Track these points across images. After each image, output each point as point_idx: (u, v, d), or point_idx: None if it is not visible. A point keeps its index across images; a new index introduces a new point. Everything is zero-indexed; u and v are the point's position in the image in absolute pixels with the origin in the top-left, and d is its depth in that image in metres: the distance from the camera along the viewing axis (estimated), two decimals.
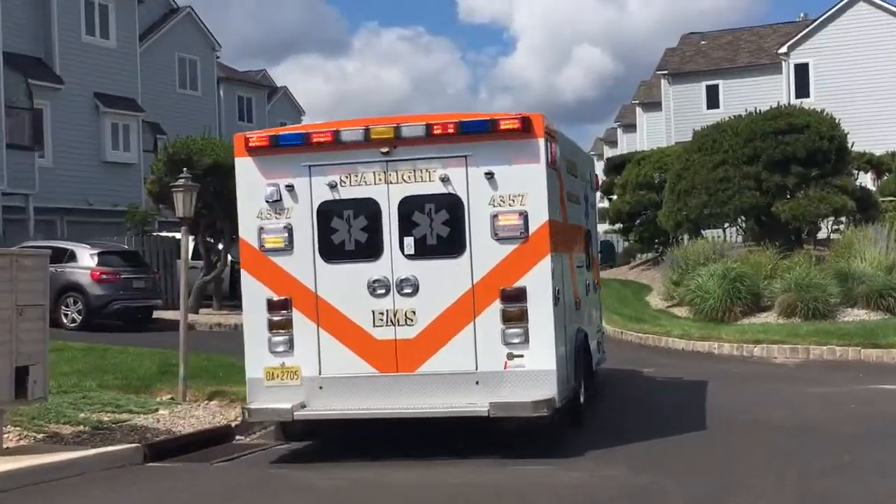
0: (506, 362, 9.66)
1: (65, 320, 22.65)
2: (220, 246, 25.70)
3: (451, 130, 9.83)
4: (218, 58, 48.27)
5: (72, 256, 23.18)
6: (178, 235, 23.12)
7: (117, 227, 32.69)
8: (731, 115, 27.58)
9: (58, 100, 35.36)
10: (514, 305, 9.67)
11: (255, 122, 52.88)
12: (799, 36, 44.62)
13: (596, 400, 12.31)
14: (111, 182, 37.18)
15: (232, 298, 28.49)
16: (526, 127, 9.73)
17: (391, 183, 9.97)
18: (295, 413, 9.81)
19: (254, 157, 10.16)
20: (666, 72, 50.07)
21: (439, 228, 9.91)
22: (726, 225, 30.14)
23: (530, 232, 9.70)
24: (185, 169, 14.05)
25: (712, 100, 48.29)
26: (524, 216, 9.71)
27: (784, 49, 44.70)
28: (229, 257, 26.55)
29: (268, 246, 10.11)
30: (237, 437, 11.36)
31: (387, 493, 8.73)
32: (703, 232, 28.22)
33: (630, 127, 64.59)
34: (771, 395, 13.32)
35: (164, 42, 44.09)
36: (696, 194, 25.05)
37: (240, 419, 11.58)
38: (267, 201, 10.11)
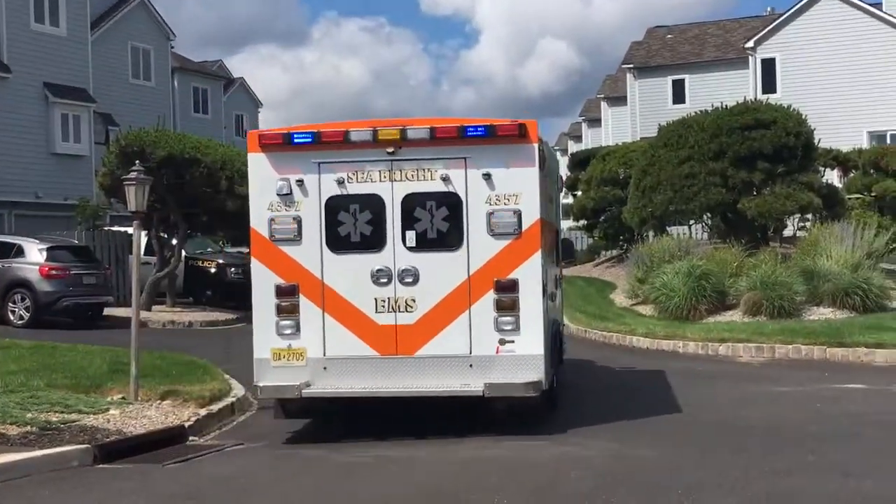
0: (498, 347, 10.74)
1: (12, 317, 22.41)
2: (174, 241, 25.56)
3: (453, 134, 10.86)
4: (172, 47, 47.91)
5: (19, 251, 22.94)
6: (130, 230, 22.94)
7: (67, 221, 32.39)
8: (698, 110, 27.80)
9: (5, 89, 34.96)
10: (507, 296, 10.76)
11: (210, 113, 52.60)
12: (766, 30, 45.03)
13: (562, 388, 13.04)
14: (61, 175, 36.81)
15: (186, 295, 28.39)
16: (522, 133, 10.84)
17: (395, 181, 10.99)
18: (302, 391, 10.79)
19: (266, 153, 11.15)
20: (632, 66, 50.34)
21: (439, 224, 10.96)
22: (692, 222, 30.37)
23: (523, 229, 10.80)
24: (137, 161, 13.96)
25: (678, 94, 48.62)
26: (518, 214, 10.81)
27: (751, 43, 45.09)
28: (183, 253, 26.40)
29: (277, 236, 11.10)
30: (191, 438, 11.30)
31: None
32: (668, 229, 28.41)
33: (595, 121, 64.86)
34: (736, 393, 13.44)
35: (117, 30, 43.70)
36: (661, 190, 25.21)
37: (193, 419, 11.54)
38: (278, 194, 11.07)
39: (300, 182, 11.06)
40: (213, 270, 28.89)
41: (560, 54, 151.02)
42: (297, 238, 11.07)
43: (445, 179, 10.92)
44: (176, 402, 12.44)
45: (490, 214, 10.84)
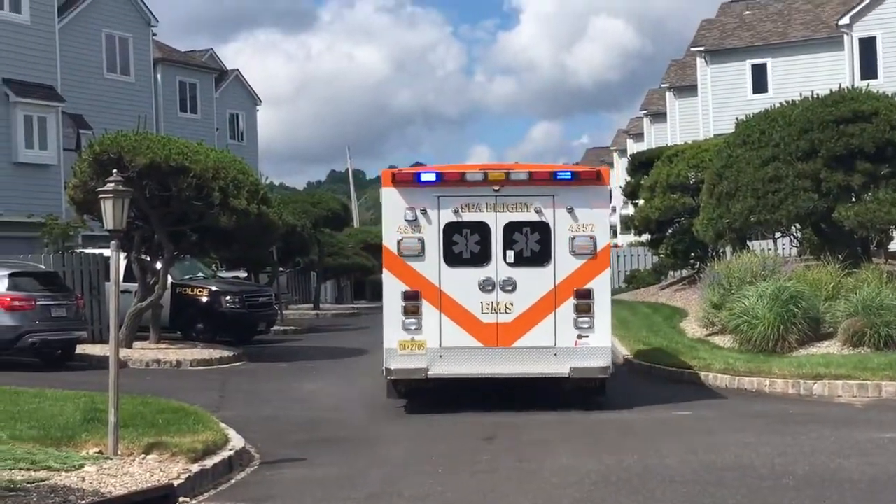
0: (576, 341, 16.81)
1: None
2: (159, 265, 25.67)
3: (546, 177, 17.11)
4: (154, 35, 48.35)
5: None
6: (106, 252, 23.11)
7: (32, 242, 32.67)
8: (783, 100, 27.67)
9: None
10: (584, 301, 16.87)
11: (199, 112, 52.98)
12: (864, 4, 44.82)
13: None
14: (24, 187, 37.15)
15: (173, 329, 28.54)
16: (599, 177, 17.16)
17: (499, 211, 17.12)
18: (428, 371, 16.89)
19: (398, 188, 17.11)
20: (703, 48, 50.24)
21: (532, 245, 17.10)
22: (778, 235, 30.21)
23: (598, 251, 16.97)
24: (114, 171, 14.02)
25: (759, 82, 48.49)
26: (594, 240, 16.96)
27: (846, 20, 44.90)
28: (169, 279, 26.53)
29: (405, 253, 16.99)
30: (181, 500, 11.32)
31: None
32: (749, 244, 28.26)
33: (659, 116, 64.77)
34: (834, 441, 13.33)
35: (89, 16, 44.12)
36: (740, 198, 25.10)
37: (183, 477, 11.57)
38: (405, 220, 17.02)
39: (424, 211, 17.07)
40: (204, 299, 29.06)
41: (616, 35, 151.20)
42: (420, 255, 17.01)
43: (538, 211, 17.07)
44: (163, 457, 12.47)
45: (572, 239, 16.96)
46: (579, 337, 16.82)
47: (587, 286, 16.90)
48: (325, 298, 53.15)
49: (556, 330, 16.88)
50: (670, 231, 35.51)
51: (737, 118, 28.45)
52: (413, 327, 16.96)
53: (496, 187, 17.12)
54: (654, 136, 64.38)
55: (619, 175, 75.00)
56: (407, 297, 16.97)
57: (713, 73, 49.83)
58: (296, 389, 20.39)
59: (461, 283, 17.00)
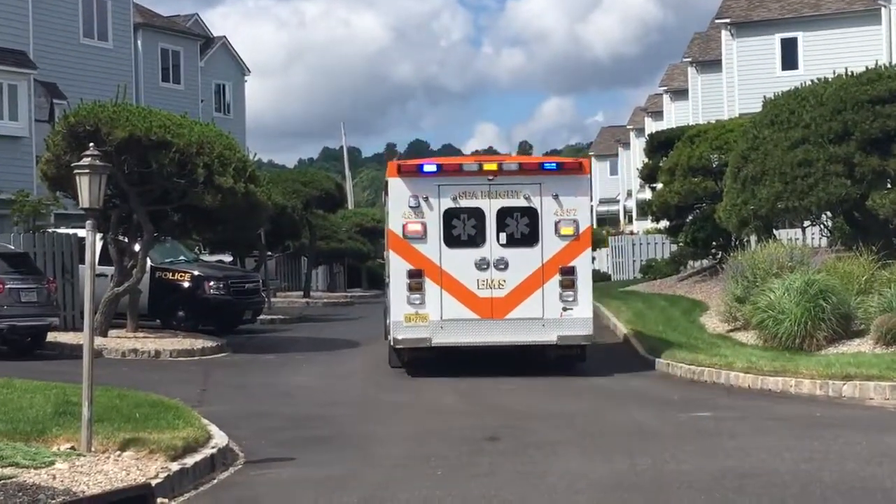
0: (562, 312, 20.59)
1: None
2: (137, 247, 25.66)
3: (534, 167, 21.24)
4: None
5: None
6: (81, 232, 23.07)
7: (0, 220, 32.67)
8: (814, 77, 27.65)
9: None
10: (568, 278, 20.66)
11: (183, 82, 52.95)
12: None
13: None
14: None
15: (152, 316, 28.57)
16: (581, 167, 21.19)
17: (492, 198, 20.87)
18: (431, 340, 20.57)
19: (402, 178, 20.81)
20: (728, 20, 50.19)
21: (522, 228, 20.87)
22: (807, 223, 30.18)
23: (580, 232, 20.79)
24: (91, 145, 13.99)
25: (789, 58, 48.43)
26: (576, 223, 20.77)
27: None
28: (149, 262, 26.54)
29: (409, 235, 20.65)
30: (159, 500, 11.32)
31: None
32: (776, 232, 28.26)
33: (680, 93, 64.67)
34: (865, 447, 13.33)
35: None
36: (767, 182, 25.10)
37: (162, 476, 11.57)
38: (409, 206, 20.67)
39: (426, 198, 20.74)
40: (186, 285, 29.08)
41: (635, 5, 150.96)
42: (423, 237, 20.69)
43: (527, 198, 20.82)
44: (140, 454, 12.48)
45: (557, 223, 20.74)
46: (564, 309, 20.67)
47: (571, 264, 20.78)
48: (317, 286, 53.17)
49: (543, 303, 20.71)
50: (690, 217, 35.52)
51: (764, 96, 28.42)
52: (417, 302, 20.65)
53: (490, 177, 20.92)
54: (675, 115, 64.27)
55: (636, 156, 74.98)
56: (411, 275, 20.67)
57: (739, 47, 49.75)
58: (284, 383, 20.41)
59: (459, 263, 20.76)
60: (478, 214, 20.91)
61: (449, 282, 20.65)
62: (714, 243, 34.76)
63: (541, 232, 20.77)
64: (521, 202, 20.87)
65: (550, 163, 21.56)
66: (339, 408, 17.57)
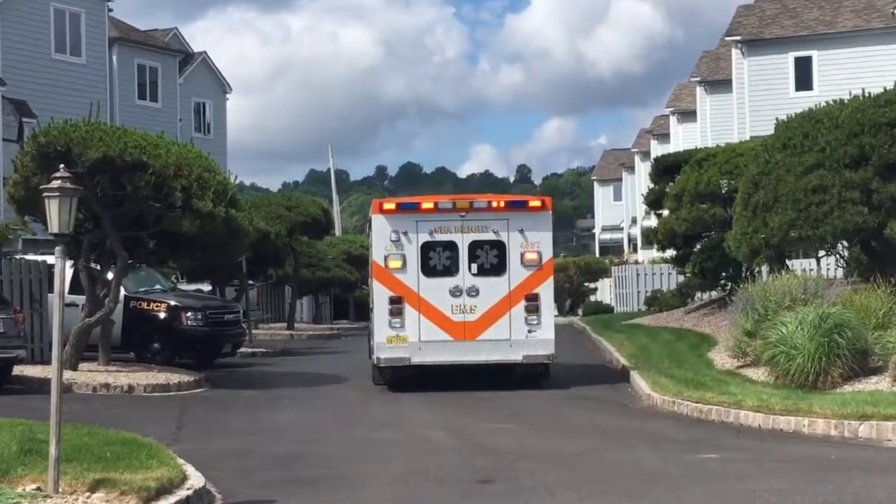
0: (527, 334, 24.31)
1: None
2: (110, 275, 25.66)
3: (501, 205, 24.83)
4: (111, 11, 48.47)
5: None
6: (50, 259, 23.01)
7: None
8: (830, 99, 27.74)
9: None
10: (533, 303, 24.36)
11: (161, 101, 53.05)
12: None
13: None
14: None
15: (125, 349, 28.52)
16: (544, 205, 24.82)
17: (465, 232, 24.60)
18: (411, 360, 24.20)
19: (384, 215, 24.58)
20: (739, 38, 50.38)
21: (491, 259, 24.61)
22: (822, 253, 30.22)
23: (542, 263, 24.61)
24: (62, 166, 14.02)
25: (803, 78, 48.62)
26: (540, 254, 24.55)
27: None
28: (122, 291, 26.52)
29: (390, 266, 24.39)
30: None
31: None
32: (788, 262, 28.27)
33: (688, 114, 64.94)
34: (885, 491, 13.32)
35: None
36: (779, 209, 25.13)
37: None
38: (391, 240, 24.37)
39: (405, 233, 24.45)
40: (162, 315, 29.05)
41: (641, 21, 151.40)
42: (403, 268, 24.39)
43: (496, 232, 24.59)
44: (111, 495, 12.45)
45: (523, 254, 24.52)
46: (529, 331, 24.41)
47: (535, 291, 24.52)
48: (301, 317, 53.15)
49: (510, 326, 24.44)
50: (698, 246, 35.56)
51: (777, 118, 28.49)
52: (398, 325, 24.36)
53: (462, 214, 24.72)
54: (682, 137, 64.50)
55: (641, 180, 75.13)
56: (392, 301, 24.42)
57: (751, 67, 49.92)
58: (265, 421, 20.38)
59: (436, 290, 24.48)
60: (452, 247, 24.70)
61: (426, 307, 24.41)
62: (723, 274, 34.80)
63: (508, 262, 24.54)
64: (491, 236, 24.66)
65: (516, 201, 25.69)
66: (323, 446, 17.53)
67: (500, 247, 24.62)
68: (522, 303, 24.38)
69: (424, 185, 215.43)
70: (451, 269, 24.65)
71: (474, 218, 24.70)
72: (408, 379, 24.59)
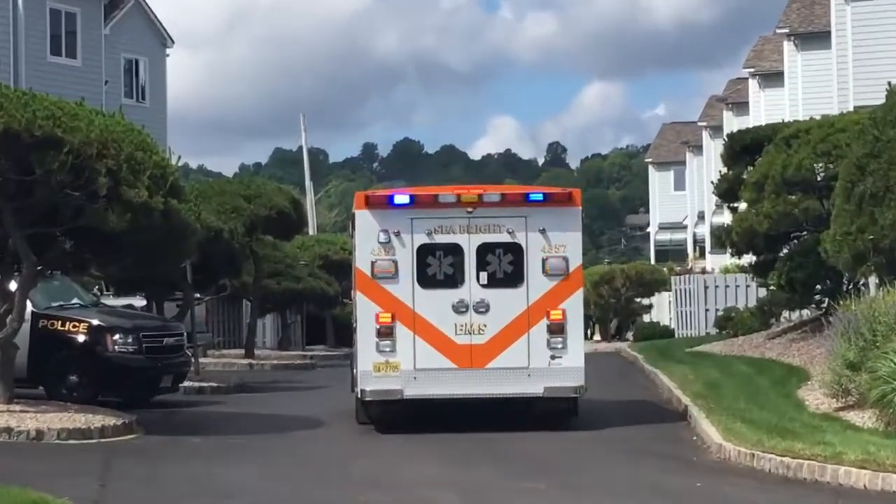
0: (550, 361, 24.51)
1: None
2: (13, 285, 25.68)
3: (518, 199, 25.11)
4: None
5: None
6: None
7: None
8: None
9: None
10: (557, 322, 24.59)
11: (80, 55, 53.12)
12: None
13: None
14: None
15: (33, 382, 28.49)
16: (570, 198, 25.07)
17: (472, 233, 24.89)
18: (403, 392, 24.45)
19: (370, 210, 24.92)
20: None
21: (505, 266, 24.97)
22: None
23: (570, 271, 24.79)
24: None
25: None
26: (566, 260, 24.74)
27: None
28: (29, 306, 26.50)
29: (378, 274, 24.65)
30: None
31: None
32: None
33: (772, 77, 64.83)
34: None
35: None
36: (892, 203, 25.14)
37: None
38: (379, 242, 24.62)
39: (397, 233, 24.75)
40: (81, 338, 29.02)
41: None
42: (394, 277, 24.74)
43: (511, 233, 24.93)
44: None
45: (545, 260, 24.83)
46: (552, 357, 24.74)
47: (560, 307, 24.81)
48: (264, 341, 53.31)
49: (529, 350, 24.80)
50: (786, 251, 35.56)
51: (889, 83, 28.49)
52: (387, 349, 24.73)
53: (469, 209, 25.02)
54: (765, 108, 64.44)
55: (711, 164, 75.09)
56: (381, 318, 24.78)
57: (855, 14, 49.84)
58: (214, 478, 20.40)
59: (435, 305, 24.92)
60: (455, 251, 25.21)
61: (423, 327, 24.85)
62: (818, 287, 34.80)
63: (526, 271, 25.01)
64: (504, 237, 25.11)
65: (536, 193, 25.83)
66: None
67: (516, 251, 25.08)
68: (544, 321, 24.77)
69: (425, 168, 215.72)
70: (454, 280, 25.16)
71: (484, 215, 25.02)
72: (399, 416, 25.21)
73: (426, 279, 25.00)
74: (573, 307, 24.90)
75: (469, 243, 25.00)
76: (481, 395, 24.89)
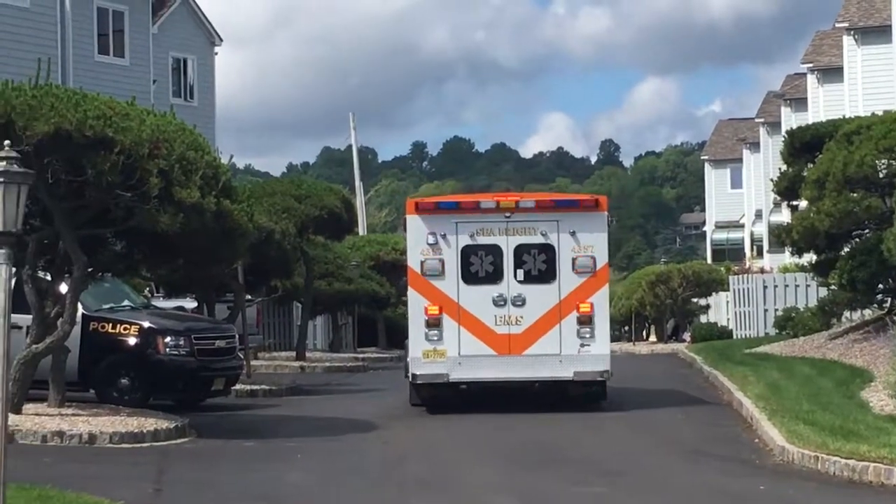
0: (579, 348, 28.55)
1: None
2: (64, 288, 25.72)
3: (550, 205, 29.62)
4: None
5: None
6: None
7: None
8: None
9: None
10: (586, 314, 28.66)
11: (128, 55, 53.24)
12: None
13: None
14: None
15: (84, 385, 28.58)
16: (597, 204, 29.41)
17: (510, 235, 28.93)
18: (449, 376, 28.42)
19: (420, 215, 28.91)
20: None
21: (539, 265, 29.06)
22: None
23: (597, 269, 28.90)
24: (6, 143, 14.15)
25: None
26: (594, 259, 28.82)
27: None
28: (80, 309, 26.56)
29: (427, 272, 28.67)
30: None
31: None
32: None
33: (832, 72, 64.52)
34: None
35: None
36: None
37: None
38: (428, 244, 28.64)
39: (444, 235, 28.57)
40: (132, 341, 29.06)
41: None
42: (441, 274, 28.63)
43: (544, 234, 28.76)
44: None
45: (574, 259, 28.58)
46: (582, 345, 28.57)
47: (589, 300, 28.68)
48: (315, 343, 53.32)
49: (561, 339, 28.60)
50: (847, 249, 35.38)
51: None
52: (435, 338, 28.61)
53: (507, 214, 28.90)
54: (825, 104, 64.15)
55: (769, 161, 74.85)
56: (429, 311, 28.70)
57: None
58: (270, 482, 20.45)
59: (477, 299, 28.72)
60: (495, 251, 29.11)
61: (467, 318, 28.74)
62: (881, 286, 34.63)
63: (558, 268, 28.89)
64: (538, 239, 29.00)
65: (567, 200, 31.15)
66: None
67: (549, 251, 29.01)
68: (574, 314, 28.70)
69: (475, 167, 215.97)
70: (494, 276, 29.07)
71: (520, 219, 29.01)
72: (447, 399, 29.15)
73: (469, 276, 28.92)
74: (600, 301, 28.90)
75: (507, 244, 28.97)
76: (518, 378, 29.09)
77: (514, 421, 27.30)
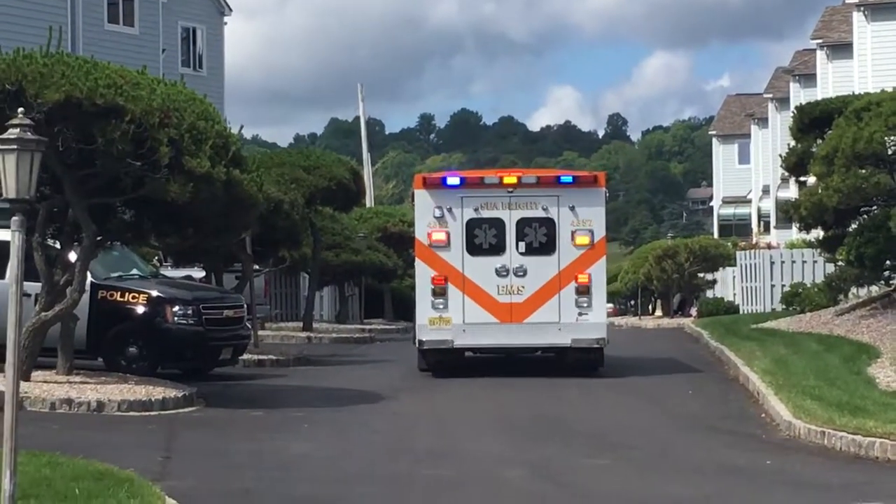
0: (577, 317, 30.66)
1: None
2: (73, 256, 25.74)
3: (551, 181, 31.58)
4: None
5: None
6: (4, 234, 23.12)
7: None
8: None
9: None
10: (583, 284, 30.73)
11: (137, 24, 53.21)
12: None
13: None
14: None
15: (92, 353, 28.60)
16: (596, 180, 31.81)
17: (512, 209, 30.97)
18: (454, 342, 30.49)
19: (427, 190, 31.12)
20: None
21: (540, 237, 31.02)
22: None
23: (595, 242, 30.95)
24: (20, 111, 14.15)
25: None
26: (592, 233, 30.91)
27: None
28: (89, 277, 26.58)
29: (434, 244, 30.78)
30: None
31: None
32: None
33: (842, 49, 64.37)
34: None
35: None
36: None
37: None
38: (434, 217, 30.76)
39: (450, 209, 30.58)
40: (140, 310, 29.08)
41: None
42: (447, 246, 30.51)
43: (545, 209, 30.71)
44: None
45: (574, 232, 30.60)
46: (580, 314, 30.43)
47: (587, 271, 30.52)
48: (321, 314, 53.31)
49: (560, 308, 30.50)
50: (855, 225, 35.36)
51: None
52: (441, 306, 30.49)
53: (510, 189, 30.78)
54: (834, 79, 64.03)
55: (777, 137, 74.77)
56: (435, 281, 30.51)
57: None
58: (277, 451, 20.49)
59: (481, 270, 30.56)
60: (498, 224, 30.89)
61: (471, 288, 30.65)
62: (888, 262, 34.61)
63: (558, 241, 30.77)
64: (540, 213, 30.79)
65: (567, 176, 32.17)
66: (354, 486, 17.60)
67: (549, 224, 30.90)
68: (573, 284, 30.62)
69: (483, 139, 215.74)
70: (497, 248, 30.91)
71: (522, 194, 30.87)
72: (452, 364, 30.89)
73: (474, 248, 30.82)
74: (597, 272, 30.84)
75: (510, 218, 30.83)
76: (519, 345, 31.35)
77: (521, 391, 27.59)
